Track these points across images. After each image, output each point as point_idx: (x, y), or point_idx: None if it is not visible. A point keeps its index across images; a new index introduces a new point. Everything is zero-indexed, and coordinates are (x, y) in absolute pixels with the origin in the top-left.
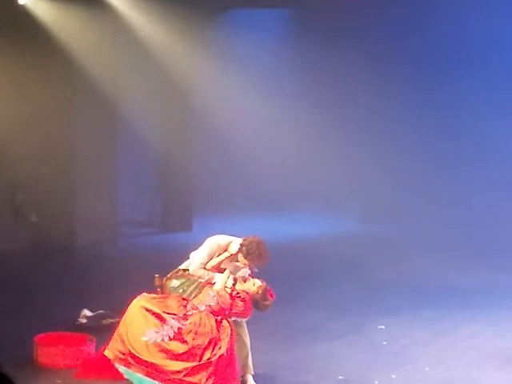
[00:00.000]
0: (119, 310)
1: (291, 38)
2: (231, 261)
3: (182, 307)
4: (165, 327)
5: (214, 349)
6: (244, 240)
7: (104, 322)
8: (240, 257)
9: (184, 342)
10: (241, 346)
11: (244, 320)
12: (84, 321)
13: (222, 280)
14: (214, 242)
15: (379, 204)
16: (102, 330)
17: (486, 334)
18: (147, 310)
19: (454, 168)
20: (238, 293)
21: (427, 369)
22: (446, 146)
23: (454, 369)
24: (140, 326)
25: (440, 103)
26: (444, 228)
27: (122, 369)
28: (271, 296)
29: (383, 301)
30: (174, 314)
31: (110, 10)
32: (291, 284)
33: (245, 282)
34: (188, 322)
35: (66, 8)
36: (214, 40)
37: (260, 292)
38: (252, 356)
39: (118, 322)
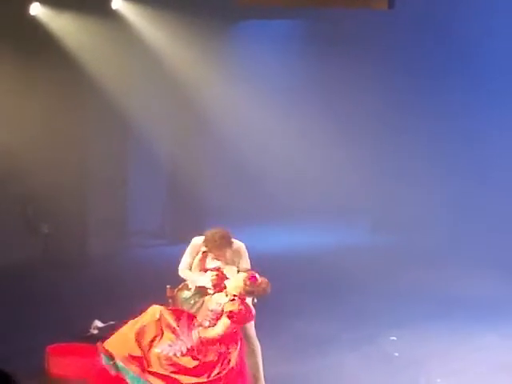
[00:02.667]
0: None
1: (301, 48)
2: (206, 258)
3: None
4: (178, 342)
5: (223, 363)
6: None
7: None
8: (204, 249)
9: (196, 358)
10: (251, 358)
11: (253, 332)
12: (95, 332)
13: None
14: (192, 243)
15: (391, 215)
16: None
17: (499, 346)
18: (162, 321)
19: (467, 178)
20: (230, 311)
21: (439, 380)
22: (459, 154)
23: (466, 380)
24: (154, 337)
25: (452, 111)
26: (457, 239)
27: (130, 376)
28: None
29: (395, 312)
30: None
31: (121, 22)
32: (303, 295)
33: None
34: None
35: (78, 19)
36: (225, 50)
37: (248, 282)
38: (264, 368)
39: None
